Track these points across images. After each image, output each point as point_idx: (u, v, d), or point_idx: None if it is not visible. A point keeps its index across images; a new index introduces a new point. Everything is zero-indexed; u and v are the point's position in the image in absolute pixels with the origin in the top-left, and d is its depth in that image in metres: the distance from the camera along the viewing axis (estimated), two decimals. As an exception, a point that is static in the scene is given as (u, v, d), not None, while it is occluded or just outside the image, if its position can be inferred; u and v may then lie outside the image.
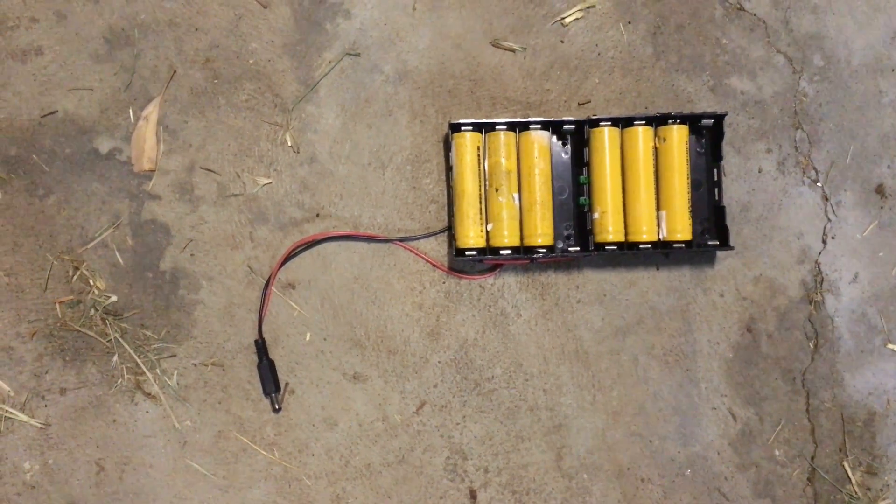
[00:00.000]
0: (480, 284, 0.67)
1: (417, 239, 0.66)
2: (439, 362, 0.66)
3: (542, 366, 0.67)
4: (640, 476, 0.66)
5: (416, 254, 0.66)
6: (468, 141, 0.64)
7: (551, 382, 0.67)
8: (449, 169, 0.65)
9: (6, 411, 0.64)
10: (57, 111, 0.65)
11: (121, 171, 0.66)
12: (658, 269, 0.67)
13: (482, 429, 0.66)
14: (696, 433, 0.66)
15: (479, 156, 0.64)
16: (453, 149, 0.64)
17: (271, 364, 0.65)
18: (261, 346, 0.65)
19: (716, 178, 0.65)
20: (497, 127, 0.64)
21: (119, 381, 0.65)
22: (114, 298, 0.65)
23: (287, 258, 0.66)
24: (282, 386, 0.65)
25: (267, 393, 0.65)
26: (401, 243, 0.66)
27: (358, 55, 0.67)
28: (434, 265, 0.66)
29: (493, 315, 0.67)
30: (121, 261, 0.65)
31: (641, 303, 0.67)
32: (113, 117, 0.66)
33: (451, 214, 0.65)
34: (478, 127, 0.64)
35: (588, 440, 0.66)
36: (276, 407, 0.65)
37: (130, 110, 0.66)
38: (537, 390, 0.66)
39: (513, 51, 0.68)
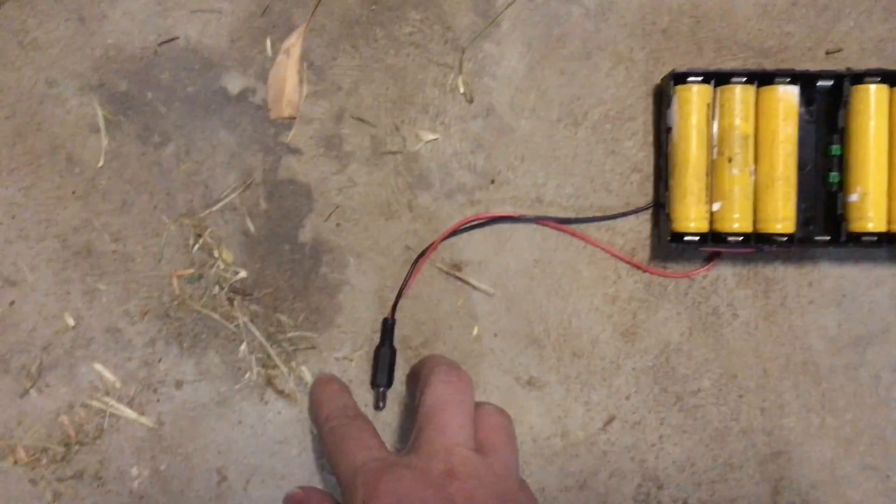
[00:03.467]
0: (689, 276, 0.56)
1: (613, 218, 0.55)
2: (634, 369, 0.56)
3: (760, 379, 0.56)
4: (873, 518, 0.56)
5: (607, 250, 0.55)
6: (695, 96, 0.52)
7: (771, 400, 0.56)
8: (663, 131, 0.54)
9: (111, 406, 0.55)
10: (177, 38, 0.55)
11: (254, 118, 0.55)
12: (913, 265, 0.56)
13: (683, 452, 0.56)
14: (947, 470, 0.56)
15: (708, 115, 0.52)
16: (675, 105, 0.52)
17: (392, 353, 0.55)
18: (388, 328, 0.55)
19: None
20: (733, 79, 0.52)
21: (247, 375, 0.55)
22: (243, 274, 0.55)
23: (451, 234, 0.55)
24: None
25: (376, 385, 0.55)
26: (582, 234, 0.55)
27: (552, -20, 0.55)
28: (628, 262, 0.55)
29: (702, 314, 0.56)
30: (252, 228, 0.55)
31: (890, 307, 0.56)
32: (246, 49, 0.55)
33: (662, 188, 0.54)
34: (707, 78, 0.52)
35: (813, 472, 0.56)
36: (381, 404, 0.55)
37: (268, 41, 0.55)
38: (753, 409, 0.56)
39: (748, -19, 0.55)
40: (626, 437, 0.56)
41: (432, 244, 0.55)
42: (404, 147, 0.55)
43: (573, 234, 0.56)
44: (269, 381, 0.55)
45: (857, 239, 0.53)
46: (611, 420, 0.56)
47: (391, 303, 0.55)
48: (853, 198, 0.53)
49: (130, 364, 0.55)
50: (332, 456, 0.47)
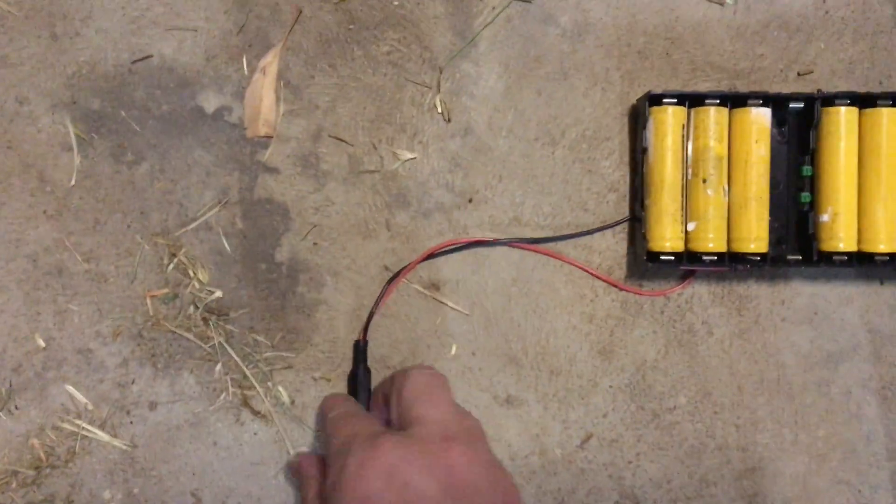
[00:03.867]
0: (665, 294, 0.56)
1: (588, 234, 0.56)
2: (611, 387, 0.56)
3: (735, 396, 0.57)
4: (845, 532, 0.57)
5: (583, 268, 0.56)
6: (671, 117, 0.53)
7: (745, 417, 0.57)
8: (639, 151, 0.54)
9: (83, 428, 0.54)
10: (151, 56, 0.54)
11: (230, 136, 0.55)
12: (882, 283, 0.57)
13: (659, 469, 0.57)
14: (916, 484, 0.57)
15: (683, 136, 0.53)
16: (651, 126, 0.53)
17: (367, 374, 0.55)
18: (361, 350, 0.55)
19: (969, 176, 0.55)
20: (707, 101, 0.53)
21: (222, 396, 0.55)
22: (218, 294, 0.54)
23: (426, 258, 0.55)
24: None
25: None
26: (558, 254, 0.56)
27: (529, 1, 0.55)
28: (605, 280, 0.56)
29: (678, 332, 0.57)
30: (228, 248, 0.55)
31: (860, 324, 0.57)
32: (222, 67, 0.54)
33: (638, 207, 0.54)
34: (681, 99, 0.53)
35: (786, 487, 0.57)
36: None
37: (244, 59, 0.55)
38: (728, 425, 0.57)
39: (721, 3, 0.56)
40: (603, 454, 0.57)
41: (407, 267, 0.55)
42: (382, 166, 0.56)
43: (549, 255, 0.56)
44: (245, 402, 0.55)
45: (828, 258, 0.54)
46: (588, 438, 0.57)
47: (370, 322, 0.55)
48: (824, 218, 0.54)
49: (103, 385, 0.54)
50: (328, 439, 0.46)
